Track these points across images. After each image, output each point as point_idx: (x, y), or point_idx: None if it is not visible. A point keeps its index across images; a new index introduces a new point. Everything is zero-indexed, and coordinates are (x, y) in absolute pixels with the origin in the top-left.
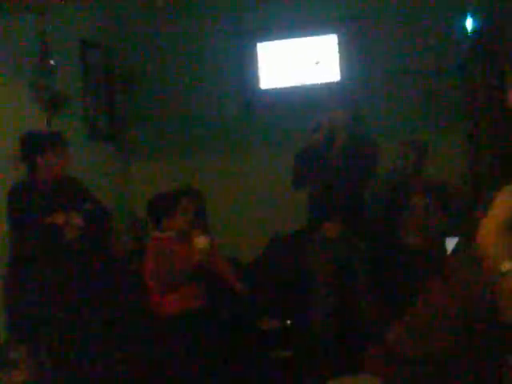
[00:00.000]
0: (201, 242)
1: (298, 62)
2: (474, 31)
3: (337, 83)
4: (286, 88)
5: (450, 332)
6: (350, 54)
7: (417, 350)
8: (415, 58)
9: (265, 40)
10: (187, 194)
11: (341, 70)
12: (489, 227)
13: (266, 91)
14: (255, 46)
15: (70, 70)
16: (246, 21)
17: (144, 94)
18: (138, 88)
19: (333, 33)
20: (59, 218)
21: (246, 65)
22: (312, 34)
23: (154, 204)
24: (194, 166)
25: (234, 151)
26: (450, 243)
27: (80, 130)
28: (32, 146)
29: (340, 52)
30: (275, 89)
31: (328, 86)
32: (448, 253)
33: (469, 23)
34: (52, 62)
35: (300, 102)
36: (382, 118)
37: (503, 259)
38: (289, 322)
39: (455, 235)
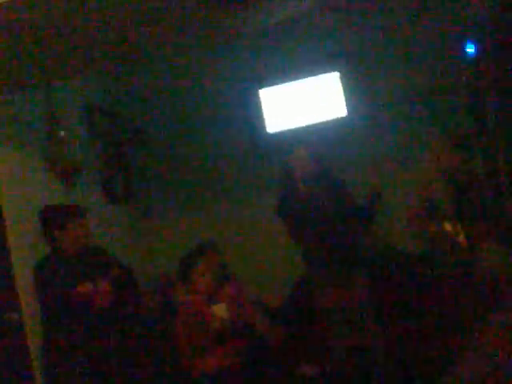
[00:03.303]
0: (218, 310)
1: (303, 103)
2: (476, 56)
3: (343, 119)
4: (293, 130)
5: None
6: (354, 89)
7: None
8: (418, 87)
9: (267, 85)
10: (207, 250)
11: (346, 106)
12: None
13: (274, 135)
14: (257, 92)
15: (80, 137)
16: (247, 69)
17: (154, 151)
18: (147, 147)
19: (334, 70)
20: (87, 287)
21: (251, 111)
22: (314, 74)
23: (180, 264)
24: (209, 218)
25: (246, 197)
26: None
27: (97, 195)
28: (50, 221)
29: (344, 88)
30: (282, 131)
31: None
32: None
33: (469, 48)
34: (62, 133)
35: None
36: (389, 148)
37: None
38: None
39: None
